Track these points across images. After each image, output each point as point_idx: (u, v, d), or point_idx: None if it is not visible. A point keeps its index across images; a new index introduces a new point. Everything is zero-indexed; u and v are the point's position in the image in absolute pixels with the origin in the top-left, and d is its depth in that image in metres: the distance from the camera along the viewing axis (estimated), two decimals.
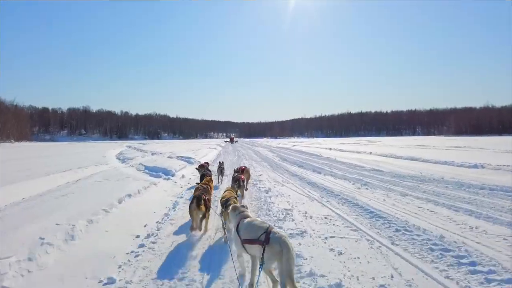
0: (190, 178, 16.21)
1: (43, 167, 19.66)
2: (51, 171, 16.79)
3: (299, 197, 11.22)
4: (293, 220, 8.32)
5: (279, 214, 8.90)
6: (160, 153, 33.94)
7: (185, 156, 27.49)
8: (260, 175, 17.32)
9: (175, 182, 14.86)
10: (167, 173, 16.81)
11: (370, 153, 30.72)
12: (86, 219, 7.35)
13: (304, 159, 27.33)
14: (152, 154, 34.65)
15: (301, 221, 8.19)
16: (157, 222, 8.33)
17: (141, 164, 20.91)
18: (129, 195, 10.39)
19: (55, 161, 25.19)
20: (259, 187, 13.62)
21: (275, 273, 4.44)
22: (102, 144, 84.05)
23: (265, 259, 4.08)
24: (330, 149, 40.98)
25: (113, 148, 53.17)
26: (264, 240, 4.15)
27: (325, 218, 8.47)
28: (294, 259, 4.07)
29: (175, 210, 9.67)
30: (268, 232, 4.23)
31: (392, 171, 17.45)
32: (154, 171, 17.54)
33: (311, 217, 8.60)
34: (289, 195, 11.60)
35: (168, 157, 28.52)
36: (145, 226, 7.95)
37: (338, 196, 11.18)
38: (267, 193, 12.20)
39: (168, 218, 8.79)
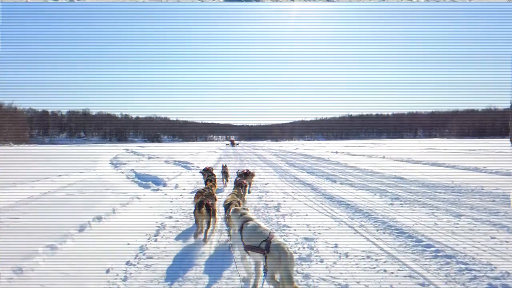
0: (184, 189, 13.64)
1: (18, 174, 17.08)
2: (24, 180, 14.26)
3: (320, 218, 8.65)
4: (321, 260, 5.75)
5: (299, 248, 6.36)
6: (157, 157, 31.41)
7: (182, 160, 24.94)
8: (266, 184, 14.77)
9: (165, 195, 12.29)
10: (158, 182, 14.27)
11: (383, 157, 28.13)
12: None
13: (311, 164, 24.72)
14: (149, 158, 32.13)
15: (335, 263, 5.62)
16: (127, 264, 5.73)
17: (132, 171, 18.42)
18: (98, 218, 7.80)
19: (38, 166, 22.61)
20: (266, 201, 11.08)
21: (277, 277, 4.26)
22: (100, 147, 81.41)
23: (268, 265, 4.12)
24: (337, 152, 38.37)
25: (110, 151, 50.59)
26: (265, 248, 4.21)
27: (368, 257, 5.88)
28: (293, 265, 4.20)
29: (156, 240, 7.07)
30: (268, 240, 4.27)
31: (417, 180, 14.92)
32: (144, 180, 15.03)
33: (346, 254, 6.02)
34: (306, 215, 9.04)
35: (165, 161, 26.07)
36: (107, 271, 5.38)
37: (371, 217, 8.59)
38: (277, 210, 9.68)
39: (144, 255, 6.19)
